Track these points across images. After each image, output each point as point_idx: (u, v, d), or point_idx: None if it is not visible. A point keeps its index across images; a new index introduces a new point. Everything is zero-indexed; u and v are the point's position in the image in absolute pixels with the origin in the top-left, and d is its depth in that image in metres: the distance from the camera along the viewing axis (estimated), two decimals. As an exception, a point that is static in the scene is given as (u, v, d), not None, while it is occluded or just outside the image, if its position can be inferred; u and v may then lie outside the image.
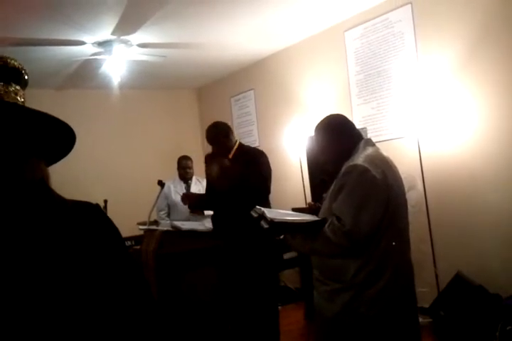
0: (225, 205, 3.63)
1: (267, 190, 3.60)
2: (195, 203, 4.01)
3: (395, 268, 2.08)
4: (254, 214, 2.14)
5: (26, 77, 1.12)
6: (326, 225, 2.07)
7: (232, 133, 3.81)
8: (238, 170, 3.52)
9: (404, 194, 2.27)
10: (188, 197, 4.04)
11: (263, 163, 3.66)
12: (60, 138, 1.12)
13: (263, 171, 3.60)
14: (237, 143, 3.78)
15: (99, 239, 1.07)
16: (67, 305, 0.99)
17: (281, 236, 2.68)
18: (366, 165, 2.08)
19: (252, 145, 6.39)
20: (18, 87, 1.09)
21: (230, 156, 3.70)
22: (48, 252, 0.99)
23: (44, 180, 1.08)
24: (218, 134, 3.73)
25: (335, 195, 2.11)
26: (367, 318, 2.05)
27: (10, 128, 1.02)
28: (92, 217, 1.10)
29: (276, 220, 2.10)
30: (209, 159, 3.84)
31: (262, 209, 2.14)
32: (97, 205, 1.14)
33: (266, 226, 2.07)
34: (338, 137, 2.27)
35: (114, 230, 1.13)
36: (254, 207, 2.21)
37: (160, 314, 1.17)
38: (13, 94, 1.07)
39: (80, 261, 1.02)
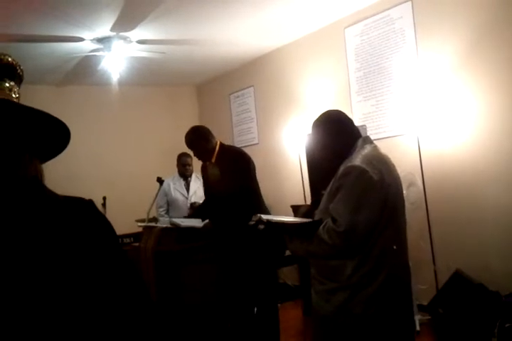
0: (221, 211, 3.73)
1: (247, 195, 3.69)
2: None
3: (391, 268, 2.07)
4: (251, 222, 2.16)
5: (21, 73, 1.11)
6: (321, 227, 2.06)
7: (212, 135, 3.88)
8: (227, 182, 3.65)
9: (402, 193, 2.26)
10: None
11: (241, 167, 3.74)
12: (54, 135, 1.11)
13: (241, 178, 3.69)
14: (218, 145, 3.83)
15: (91, 235, 1.06)
16: (57, 301, 0.98)
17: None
18: (364, 166, 2.06)
19: (252, 143, 6.43)
20: (12, 83, 1.08)
21: (213, 160, 3.77)
22: (39, 248, 0.98)
23: (37, 177, 1.07)
24: (196, 139, 3.82)
25: (332, 195, 2.10)
26: (363, 318, 2.04)
27: (3, 125, 1.01)
28: (85, 212, 1.09)
29: (272, 221, 2.12)
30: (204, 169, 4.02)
31: (258, 215, 2.17)
32: (90, 201, 1.13)
33: (262, 227, 2.09)
34: (337, 133, 2.24)
35: (108, 225, 1.11)
36: (248, 212, 2.25)
37: (155, 309, 1.16)
38: (7, 91, 1.06)
39: (72, 257, 1.01)
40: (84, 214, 1.08)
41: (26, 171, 1.05)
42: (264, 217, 2.13)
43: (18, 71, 1.10)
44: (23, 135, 1.05)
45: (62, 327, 0.98)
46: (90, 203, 1.12)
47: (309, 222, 2.14)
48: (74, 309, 0.99)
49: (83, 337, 1.00)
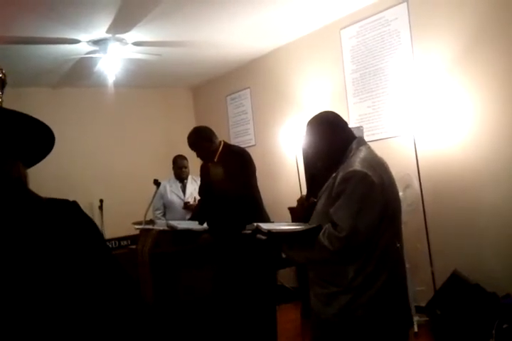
0: (220, 213, 3.72)
1: (251, 198, 3.69)
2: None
3: (390, 270, 2.07)
4: (248, 231, 2.14)
5: (3, 77, 1.09)
6: (321, 233, 2.05)
7: (215, 136, 3.86)
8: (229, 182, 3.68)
9: (398, 196, 2.26)
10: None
11: (243, 166, 3.74)
12: (38, 138, 1.10)
13: (245, 181, 3.70)
14: (222, 145, 3.82)
15: (76, 235, 1.05)
16: (41, 302, 0.97)
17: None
18: (366, 170, 2.04)
19: (248, 145, 6.44)
20: None
21: (216, 159, 3.76)
22: (21, 250, 0.97)
23: (20, 179, 1.06)
24: (199, 139, 3.80)
25: (333, 200, 2.08)
26: (364, 320, 2.03)
27: None
28: (68, 213, 1.08)
29: (273, 230, 2.11)
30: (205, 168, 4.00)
31: (255, 224, 2.15)
32: (74, 202, 1.12)
33: (264, 237, 2.07)
34: (332, 132, 2.23)
35: (92, 226, 1.11)
36: (244, 217, 2.23)
37: (144, 308, 1.14)
38: None
39: (56, 258, 1.00)
40: (68, 216, 1.07)
41: (9, 173, 1.03)
42: (264, 226, 2.11)
43: (0, 75, 1.09)
44: (6, 138, 1.03)
45: (48, 327, 0.96)
46: (74, 204, 1.11)
47: (308, 229, 2.12)
48: (59, 309, 0.98)
49: (70, 336, 0.99)
